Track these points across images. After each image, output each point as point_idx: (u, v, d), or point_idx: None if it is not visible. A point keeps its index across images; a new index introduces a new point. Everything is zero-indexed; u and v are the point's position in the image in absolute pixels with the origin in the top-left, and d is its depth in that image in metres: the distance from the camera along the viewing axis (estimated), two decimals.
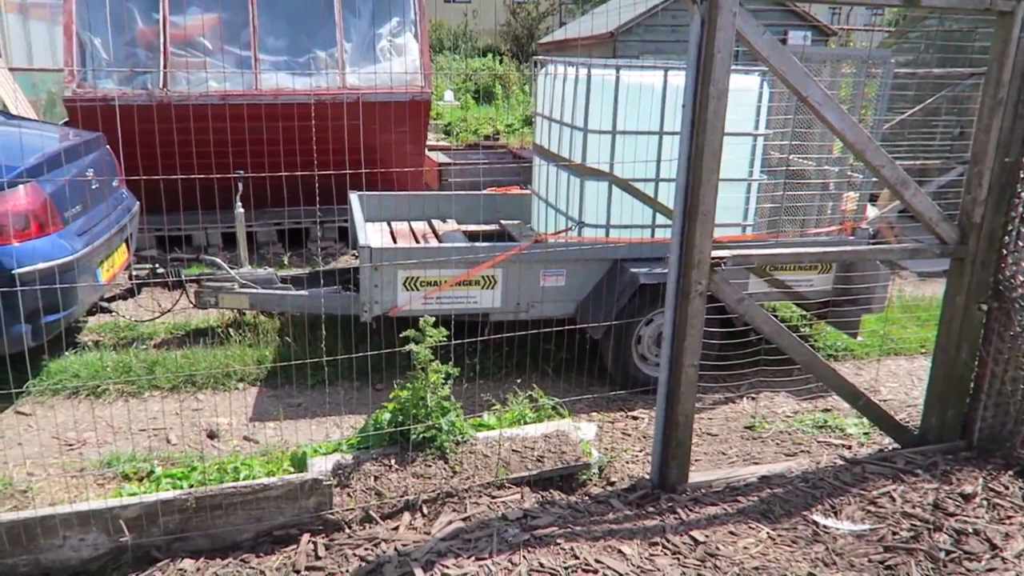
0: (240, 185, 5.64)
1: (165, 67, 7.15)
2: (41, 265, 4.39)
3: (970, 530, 2.90)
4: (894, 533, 2.91)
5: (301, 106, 7.06)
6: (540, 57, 5.99)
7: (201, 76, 7.16)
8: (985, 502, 3.09)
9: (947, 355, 3.57)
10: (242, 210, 5.67)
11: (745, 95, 4.83)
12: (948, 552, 2.79)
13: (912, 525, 2.94)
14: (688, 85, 2.98)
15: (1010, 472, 3.29)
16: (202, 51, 7.26)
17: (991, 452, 3.48)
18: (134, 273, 5.94)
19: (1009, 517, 2.99)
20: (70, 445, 4.18)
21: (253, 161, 6.32)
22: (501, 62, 19.83)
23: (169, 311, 5.55)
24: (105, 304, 5.85)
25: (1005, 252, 3.40)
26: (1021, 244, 3.34)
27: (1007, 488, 3.18)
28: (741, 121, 4.82)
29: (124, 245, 5.63)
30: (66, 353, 5.06)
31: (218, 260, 5.52)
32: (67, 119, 7.23)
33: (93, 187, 5.22)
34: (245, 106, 6.99)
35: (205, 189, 5.11)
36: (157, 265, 6.24)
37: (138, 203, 6.11)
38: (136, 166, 4.72)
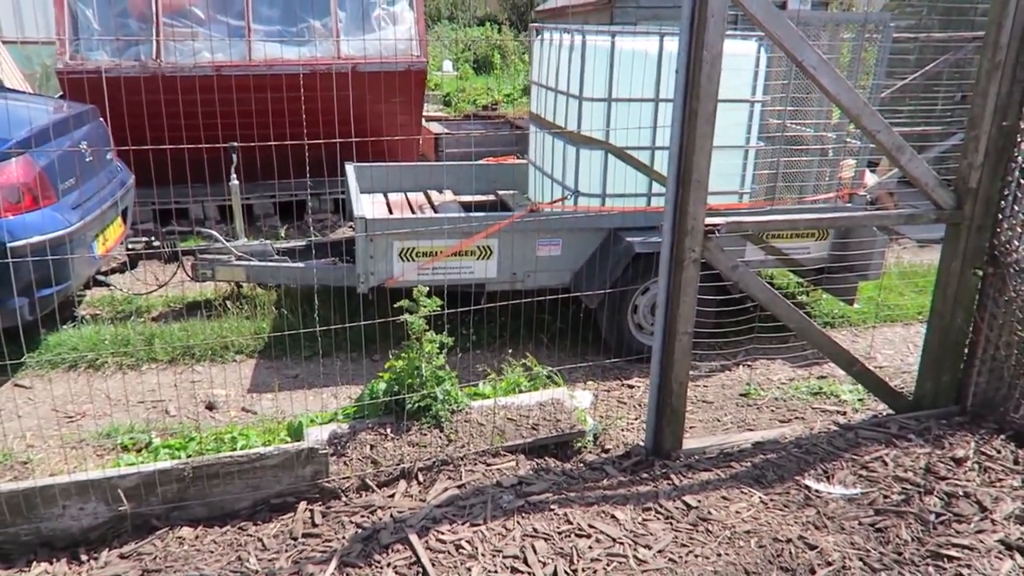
0: (234, 157, 5.61)
1: (157, 37, 7.07)
2: (35, 239, 4.38)
3: (961, 493, 2.92)
4: (885, 497, 2.93)
5: (295, 76, 7.00)
6: (536, 24, 5.92)
7: (194, 46, 7.09)
8: (976, 465, 3.10)
9: (942, 321, 3.57)
10: (237, 182, 5.65)
11: (742, 60, 4.78)
12: (938, 515, 2.81)
13: (903, 489, 2.96)
14: (681, 49, 2.95)
15: (1002, 436, 3.30)
16: (194, 21, 7.18)
17: (984, 417, 3.49)
18: (130, 246, 5.93)
19: (1000, 480, 3.01)
20: (69, 417, 4.21)
21: (247, 133, 6.28)
22: (499, 31, 19.61)
23: (166, 284, 5.55)
24: (102, 278, 5.86)
25: (1001, 217, 3.38)
26: (1017, 209, 3.32)
27: (999, 452, 3.19)
28: (738, 87, 4.77)
29: (120, 218, 5.62)
30: (64, 327, 5.07)
31: (214, 233, 5.52)
32: (61, 92, 7.18)
33: (87, 160, 5.20)
34: (238, 77, 6.93)
35: (199, 161, 5.08)
36: (153, 238, 6.24)
37: (133, 176, 6.08)
38: (129, 138, 4.70)
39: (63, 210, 4.73)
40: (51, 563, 2.79)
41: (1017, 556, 2.59)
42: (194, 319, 5.33)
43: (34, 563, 2.79)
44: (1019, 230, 3.31)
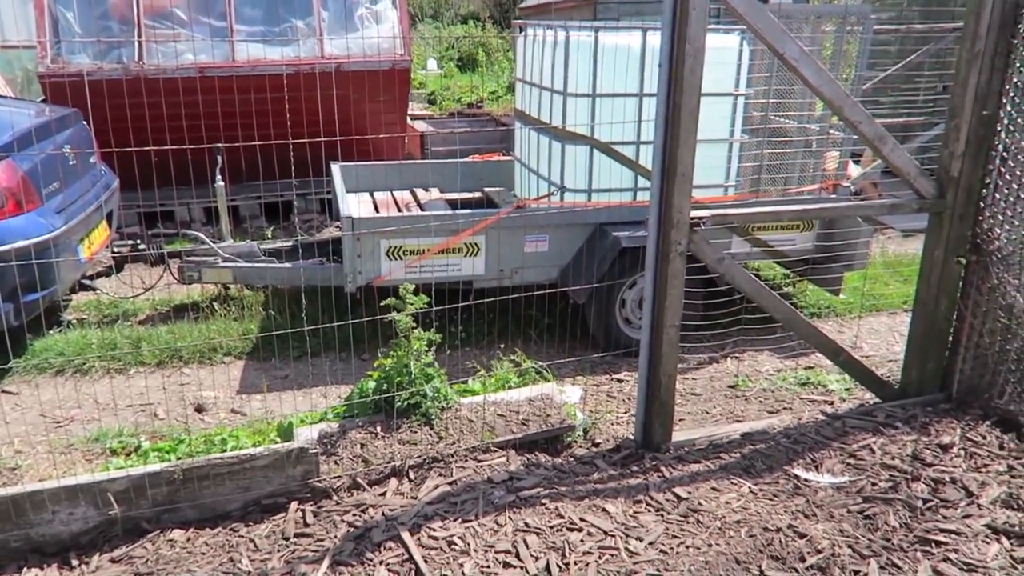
0: (219, 158, 5.59)
1: (139, 39, 7.03)
2: (19, 243, 4.36)
3: (947, 479, 2.95)
4: (873, 484, 2.96)
5: (279, 77, 6.97)
6: (520, 21, 5.92)
7: (176, 48, 7.05)
8: (962, 451, 3.14)
9: (927, 309, 3.60)
10: (222, 184, 5.63)
11: (725, 54, 4.80)
12: (926, 501, 2.84)
13: (891, 476, 2.99)
14: (664, 43, 2.96)
15: (987, 422, 3.33)
16: (176, 22, 7.14)
17: (969, 403, 3.53)
18: (115, 250, 5.90)
19: (986, 465, 3.04)
20: (57, 423, 4.19)
21: (232, 134, 6.25)
22: (483, 28, 19.59)
23: (152, 287, 5.53)
24: (88, 282, 5.82)
25: (983, 205, 3.42)
26: (998, 197, 3.35)
27: (984, 438, 3.23)
28: (722, 81, 4.79)
29: (105, 222, 5.59)
30: (50, 331, 5.04)
31: (200, 235, 5.49)
32: (43, 96, 7.12)
33: (70, 163, 5.17)
34: (222, 78, 6.90)
35: (184, 163, 5.06)
36: (138, 241, 6.20)
37: (117, 179, 6.05)
38: (113, 141, 4.67)
39: (47, 214, 4.70)
40: (42, 569, 2.78)
41: (1003, 540, 2.62)
42: (181, 322, 5.31)
43: (24, 569, 2.77)
44: (1000, 218, 3.35)
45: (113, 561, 2.79)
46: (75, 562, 2.80)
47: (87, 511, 2.89)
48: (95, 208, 5.30)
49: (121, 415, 4.23)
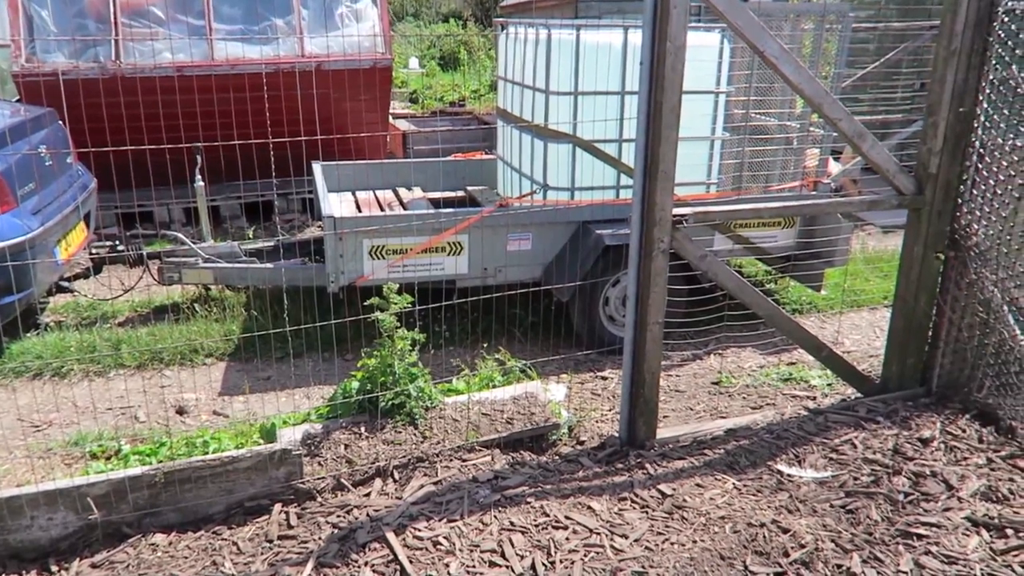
0: (199, 158, 5.54)
1: (116, 38, 6.95)
2: None
3: (928, 472, 2.98)
4: (855, 478, 2.98)
5: (258, 76, 6.92)
6: (501, 20, 5.91)
7: (154, 47, 6.97)
8: (943, 445, 3.17)
9: (906, 304, 3.64)
10: (202, 184, 5.58)
11: (706, 52, 4.82)
12: (907, 494, 2.86)
13: (872, 470, 3.02)
14: (645, 41, 2.96)
15: (967, 416, 3.37)
16: (154, 21, 7.06)
17: (949, 397, 3.57)
18: (93, 251, 5.83)
19: (965, 458, 3.08)
20: (35, 427, 4.13)
21: (212, 133, 6.19)
22: (464, 27, 19.56)
23: (132, 289, 5.47)
24: (66, 284, 5.75)
25: (960, 201, 3.45)
26: (976, 193, 3.39)
27: (964, 431, 3.26)
28: (703, 78, 4.81)
29: (82, 223, 5.52)
30: (27, 335, 4.97)
31: (180, 235, 5.44)
32: (18, 96, 7.02)
33: (46, 164, 5.10)
34: (201, 77, 6.84)
35: (163, 163, 5.01)
36: (117, 242, 6.13)
37: (95, 180, 5.98)
38: (90, 141, 4.61)
39: (23, 216, 4.63)
40: (20, 575, 2.74)
41: (983, 532, 2.65)
42: (162, 323, 5.26)
43: (2, 575, 2.74)
44: (978, 214, 3.38)
45: (93, 566, 2.76)
46: (55, 568, 2.77)
47: (66, 516, 2.86)
48: (72, 209, 5.24)
49: (101, 418, 4.18)
